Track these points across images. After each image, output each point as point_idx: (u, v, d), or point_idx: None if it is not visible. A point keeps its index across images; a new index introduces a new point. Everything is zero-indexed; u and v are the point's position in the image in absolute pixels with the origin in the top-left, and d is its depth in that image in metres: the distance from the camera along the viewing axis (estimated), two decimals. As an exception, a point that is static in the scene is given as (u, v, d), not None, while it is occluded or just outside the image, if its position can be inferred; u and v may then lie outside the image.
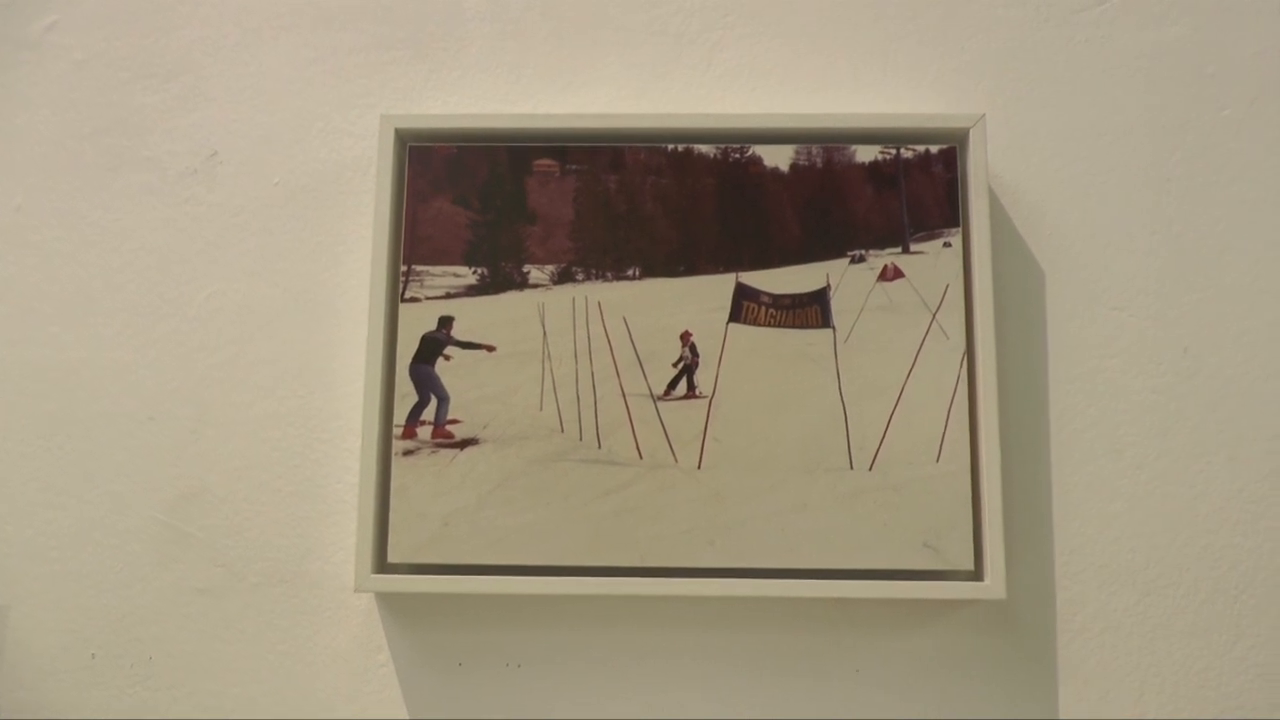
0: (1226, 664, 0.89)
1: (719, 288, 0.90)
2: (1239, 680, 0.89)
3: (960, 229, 0.90)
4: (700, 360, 0.89)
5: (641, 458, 0.88)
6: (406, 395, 0.89)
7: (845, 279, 0.90)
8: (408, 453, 0.88)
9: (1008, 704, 0.89)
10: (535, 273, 0.91)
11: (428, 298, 0.90)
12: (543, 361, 0.89)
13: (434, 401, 0.89)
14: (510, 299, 0.90)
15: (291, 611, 0.92)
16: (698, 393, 0.89)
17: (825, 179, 0.91)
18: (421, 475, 0.88)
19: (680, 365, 0.89)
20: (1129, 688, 0.89)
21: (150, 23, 1.00)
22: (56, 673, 0.92)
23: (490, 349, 0.90)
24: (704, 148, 0.92)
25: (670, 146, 0.92)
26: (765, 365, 0.89)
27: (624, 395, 0.89)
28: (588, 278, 0.91)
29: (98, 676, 0.92)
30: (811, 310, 0.89)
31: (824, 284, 0.90)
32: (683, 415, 0.88)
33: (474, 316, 0.90)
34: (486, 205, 0.91)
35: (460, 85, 0.98)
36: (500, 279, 0.91)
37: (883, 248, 0.90)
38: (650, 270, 0.91)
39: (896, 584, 0.86)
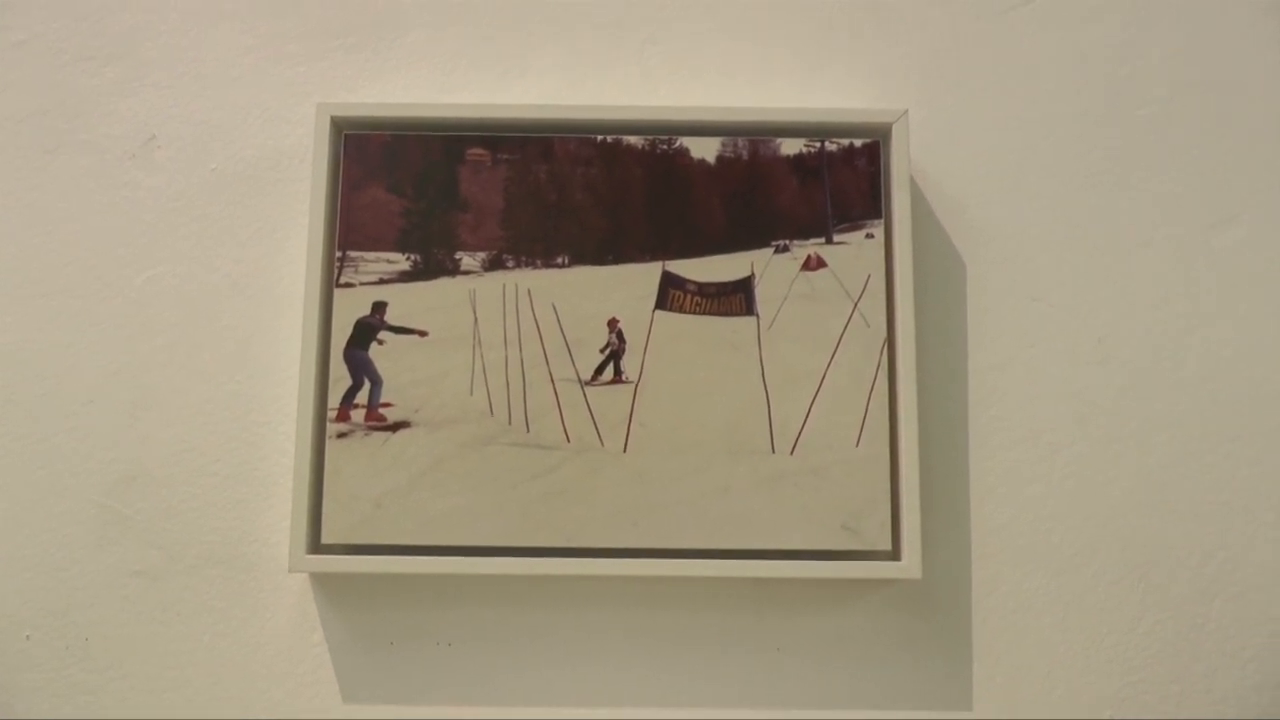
0: (1133, 639, 0.93)
1: (646, 276, 0.92)
2: (1143, 655, 0.92)
3: (883, 221, 0.93)
4: (627, 346, 0.91)
5: (569, 441, 0.90)
6: (340, 379, 0.91)
7: (769, 268, 0.92)
8: (341, 435, 0.90)
9: (923, 680, 0.92)
10: (467, 259, 0.92)
11: (361, 283, 0.92)
12: (473, 347, 0.91)
13: (367, 385, 0.91)
14: (442, 285, 0.92)
15: (228, 593, 0.93)
16: (624, 378, 0.91)
17: (751, 171, 0.93)
18: (355, 457, 0.89)
19: (607, 351, 0.91)
20: (1040, 664, 0.92)
21: (89, 4, 1.00)
22: (-9, 654, 0.93)
23: (422, 334, 0.91)
24: (633, 139, 0.93)
25: (599, 137, 0.94)
26: (690, 351, 0.91)
27: (552, 380, 0.91)
28: (518, 265, 0.92)
29: (33, 659, 0.92)
30: (736, 298, 0.92)
31: (749, 273, 0.92)
32: (610, 400, 0.90)
33: (407, 302, 0.91)
34: (419, 193, 0.93)
35: (396, 75, 0.99)
36: (432, 265, 0.92)
37: (806, 238, 0.92)
38: (579, 258, 0.92)
39: (816, 564, 0.88)
